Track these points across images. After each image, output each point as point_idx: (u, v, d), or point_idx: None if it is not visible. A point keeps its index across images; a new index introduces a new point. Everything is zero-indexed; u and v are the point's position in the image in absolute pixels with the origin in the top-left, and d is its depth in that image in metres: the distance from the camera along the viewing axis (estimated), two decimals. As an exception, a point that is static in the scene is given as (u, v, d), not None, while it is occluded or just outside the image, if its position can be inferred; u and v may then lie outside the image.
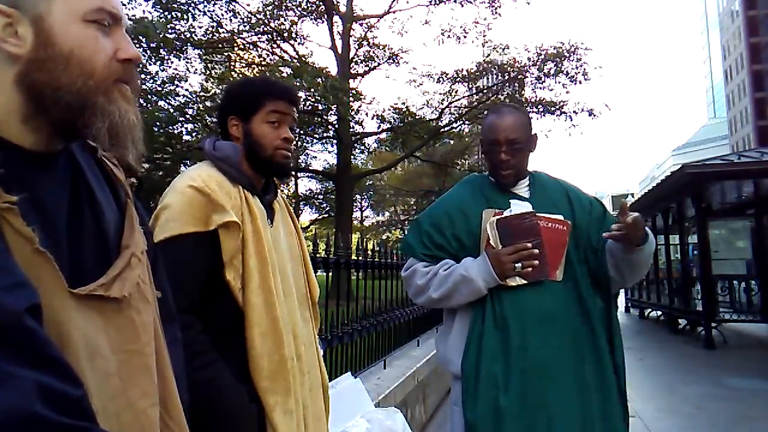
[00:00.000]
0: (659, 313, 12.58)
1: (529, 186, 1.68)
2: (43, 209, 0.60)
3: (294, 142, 1.32)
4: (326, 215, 24.78)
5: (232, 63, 15.93)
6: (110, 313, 0.64)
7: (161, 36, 11.45)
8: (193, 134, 14.36)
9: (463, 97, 17.22)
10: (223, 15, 14.58)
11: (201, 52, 14.46)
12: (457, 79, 16.42)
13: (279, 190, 1.38)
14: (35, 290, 0.52)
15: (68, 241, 0.62)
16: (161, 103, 13.23)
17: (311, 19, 16.01)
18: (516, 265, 1.51)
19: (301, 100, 12.27)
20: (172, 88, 13.67)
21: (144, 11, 13.08)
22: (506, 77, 16.21)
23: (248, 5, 14.64)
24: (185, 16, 13.22)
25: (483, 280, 1.51)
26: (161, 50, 12.01)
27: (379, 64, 16.69)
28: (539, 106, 15.68)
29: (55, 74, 0.61)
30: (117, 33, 0.66)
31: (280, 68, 12.93)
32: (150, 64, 12.48)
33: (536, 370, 1.48)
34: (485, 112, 17.05)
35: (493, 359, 1.49)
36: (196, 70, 15.22)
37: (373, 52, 16.48)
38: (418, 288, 1.64)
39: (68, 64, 0.61)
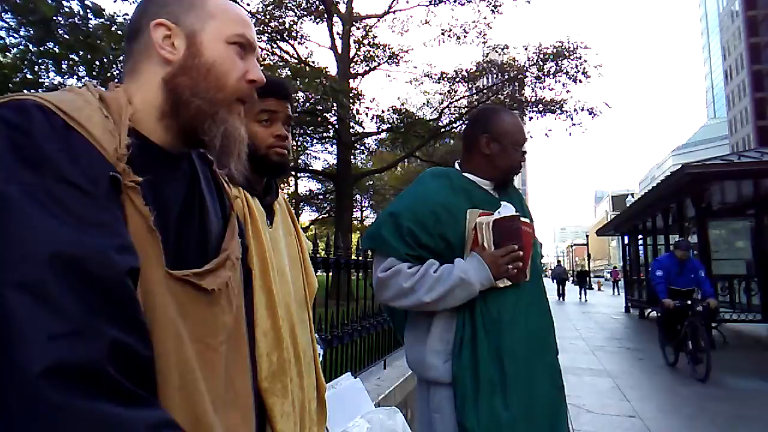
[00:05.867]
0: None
1: (498, 189, 1.70)
2: (161, 198, 0.67)
3: (290, 139, 1.31)
4: (326, 215, 24.78)
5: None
6: (197, 303, 0.68)
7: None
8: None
9: (463, 96, 17.21)
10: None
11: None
12: (457, 79, 16.40)
13: (280, 191, 1.37)
14: (138, 257, 0.59)
15: (175, 232, 0.69)
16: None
17: (311, 19, 16.01)
18: (509, 267, 1.52)
19: (301, 100, 12.28)
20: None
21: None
22: (506, 77, 16.20)
23: (248, 5, 14.63)
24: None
25: (479, 282, 1.49)
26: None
27: (379, 64, 16.69)
28: (539, 105, 15.67)
29: (196, 80, 0.71)
30: (250, 58, 0.77)
31: (279, 69, 12.92)
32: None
33: (529, 371, 1.51)
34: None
35: (489, 363, 1.49)
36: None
37: (373, 52, 16.47)
38: (402, 290, 1.52)
39: (208, 75, 0.71)
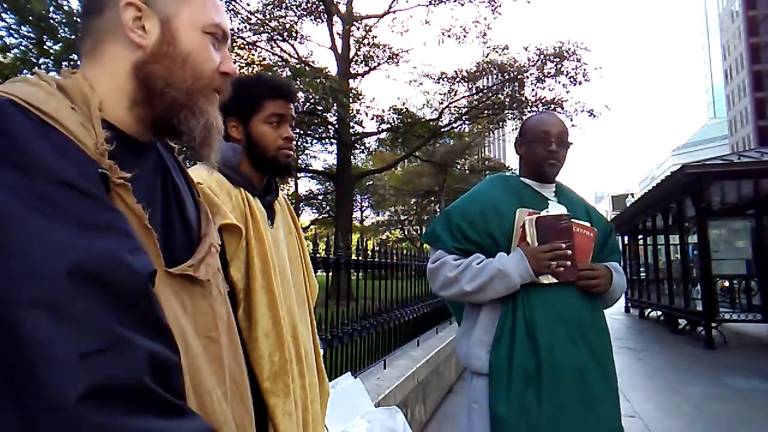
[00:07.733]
0: (659, 313, 12.57)
1: (555, 193, 1.76)
2: (144, 192, 0.64)
3: (294, 141, 1.32)
4: (326, 215, 24.78)
5: (232, 63, 15.91)
6: (195, 296, 0.67)
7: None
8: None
9: (463, 97, 17.22)
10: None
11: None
12: (457, 79, 16.41)
13: (279, 190, 1.38)
14: (150, 258, 0.56)
15: (162, 226, 0.66)
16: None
17: (311, 19, 16.02)
18: (551, 263, 1.57)
19: (301, 100, 12.28)
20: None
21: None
22: (506, 77, 16.20)
23: (248, 5, 14.65)
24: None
25: (519, 275, 1.55)
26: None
27: (379, 64, 16.69)
28: (539, 105, 15.67)
29: (171, 71, 0.67)
30: (223, 48, 0.73)
31: (279, 69, 12.93)
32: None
33: (565, 369, 1.53)
34: (485, 113, 16.91)
35: (525, 355, 1.52)
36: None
37: (373, 52, 16.48)
38: (448, 280, 1.63)
39: (184, 65, 0.67)
